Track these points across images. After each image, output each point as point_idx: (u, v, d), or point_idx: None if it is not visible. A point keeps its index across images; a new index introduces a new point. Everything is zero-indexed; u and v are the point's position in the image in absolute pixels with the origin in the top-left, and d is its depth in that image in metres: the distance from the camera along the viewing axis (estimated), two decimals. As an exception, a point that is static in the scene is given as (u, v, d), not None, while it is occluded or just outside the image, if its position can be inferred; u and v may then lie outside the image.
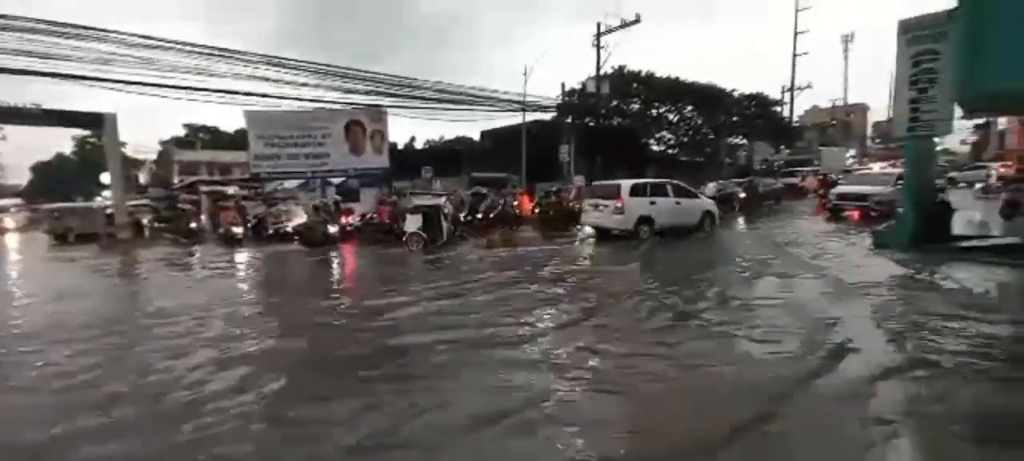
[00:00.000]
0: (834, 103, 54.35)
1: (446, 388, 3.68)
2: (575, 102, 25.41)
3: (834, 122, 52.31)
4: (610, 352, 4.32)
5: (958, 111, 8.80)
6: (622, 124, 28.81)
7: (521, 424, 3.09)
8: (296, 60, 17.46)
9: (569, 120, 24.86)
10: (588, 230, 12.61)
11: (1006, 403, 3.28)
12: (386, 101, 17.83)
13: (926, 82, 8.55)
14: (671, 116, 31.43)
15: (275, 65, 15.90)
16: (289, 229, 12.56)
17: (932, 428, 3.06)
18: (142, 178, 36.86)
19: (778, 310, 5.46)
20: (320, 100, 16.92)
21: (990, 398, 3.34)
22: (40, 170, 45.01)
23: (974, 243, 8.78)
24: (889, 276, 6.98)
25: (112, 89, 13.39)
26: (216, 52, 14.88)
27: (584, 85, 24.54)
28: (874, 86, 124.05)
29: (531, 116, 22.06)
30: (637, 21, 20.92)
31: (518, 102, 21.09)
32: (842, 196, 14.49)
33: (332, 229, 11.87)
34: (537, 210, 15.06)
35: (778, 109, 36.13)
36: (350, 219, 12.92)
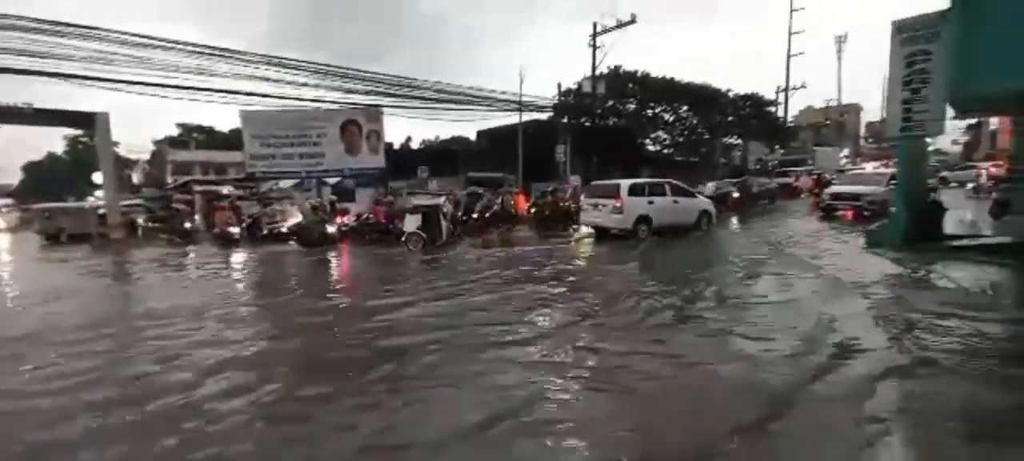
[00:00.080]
0: (828, 103, 54.91)
1: (446, 388, 3.69)
2: (571, 102, 25.46)
3: (828, 122, 52.76)
4: (610, 351, 4.34)
5: (950, 111, 8.90)
6: (618, 124, 28.86)
7: (521, 424, 3.10)
8: (295, 60, 17.42)
9: (565, 120, 24.89)
10: (585, 229, 12.65)
11: (999, 400, 3.33)
12: (385, 101, 17.82)
13: (919, 82, 8.63)
14: (667, 116, 31.58)
15: (274, 65, 15.84)
16: (285, 229, 12.51)
17: (927, 425, 3.10)
18: (135, 178, 36.55)
19: (776, 308, 5.50)
20: (320, 100, 16.90)
21: (984, 395, 3.39)
22: (31, 170, 44.61)
23: (965, 242, 8.87)
24: (883, 274, 7.05)
25: (111, 89, 13.34)
26: (216, 52, 14.82)
27: (580, 85, 24.60)
28: (868, 87, 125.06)
29: (527, 116, 22.07)
30: (633, 21, 21.06)
31: (514, 102, 21.10)
32: (836, 196, 14.60)
33: (330, 229, 11.85)
34: (533, 210, 15.07)
35: (773, 109, 36.45)
36: (346, 219, 12.88)
